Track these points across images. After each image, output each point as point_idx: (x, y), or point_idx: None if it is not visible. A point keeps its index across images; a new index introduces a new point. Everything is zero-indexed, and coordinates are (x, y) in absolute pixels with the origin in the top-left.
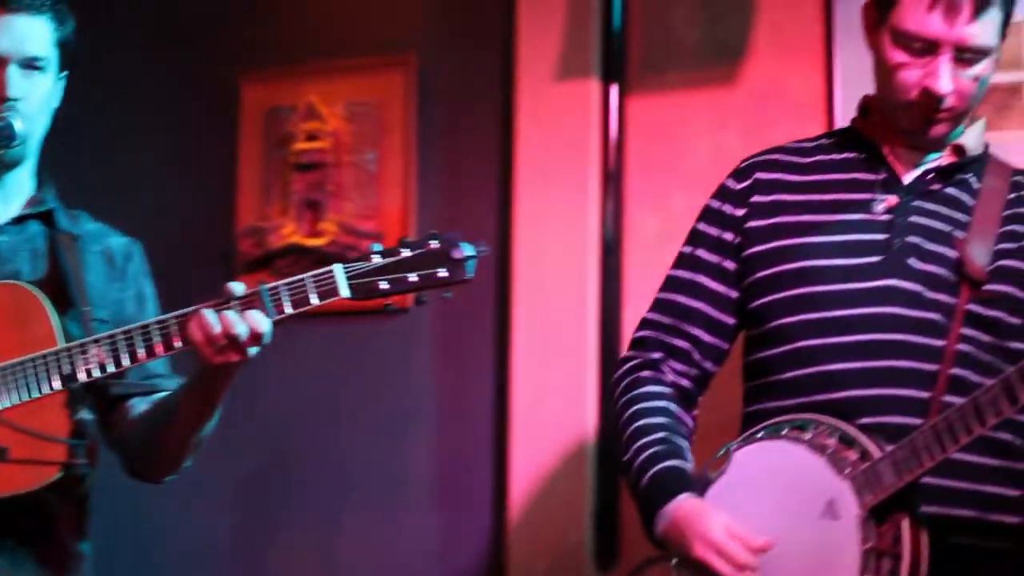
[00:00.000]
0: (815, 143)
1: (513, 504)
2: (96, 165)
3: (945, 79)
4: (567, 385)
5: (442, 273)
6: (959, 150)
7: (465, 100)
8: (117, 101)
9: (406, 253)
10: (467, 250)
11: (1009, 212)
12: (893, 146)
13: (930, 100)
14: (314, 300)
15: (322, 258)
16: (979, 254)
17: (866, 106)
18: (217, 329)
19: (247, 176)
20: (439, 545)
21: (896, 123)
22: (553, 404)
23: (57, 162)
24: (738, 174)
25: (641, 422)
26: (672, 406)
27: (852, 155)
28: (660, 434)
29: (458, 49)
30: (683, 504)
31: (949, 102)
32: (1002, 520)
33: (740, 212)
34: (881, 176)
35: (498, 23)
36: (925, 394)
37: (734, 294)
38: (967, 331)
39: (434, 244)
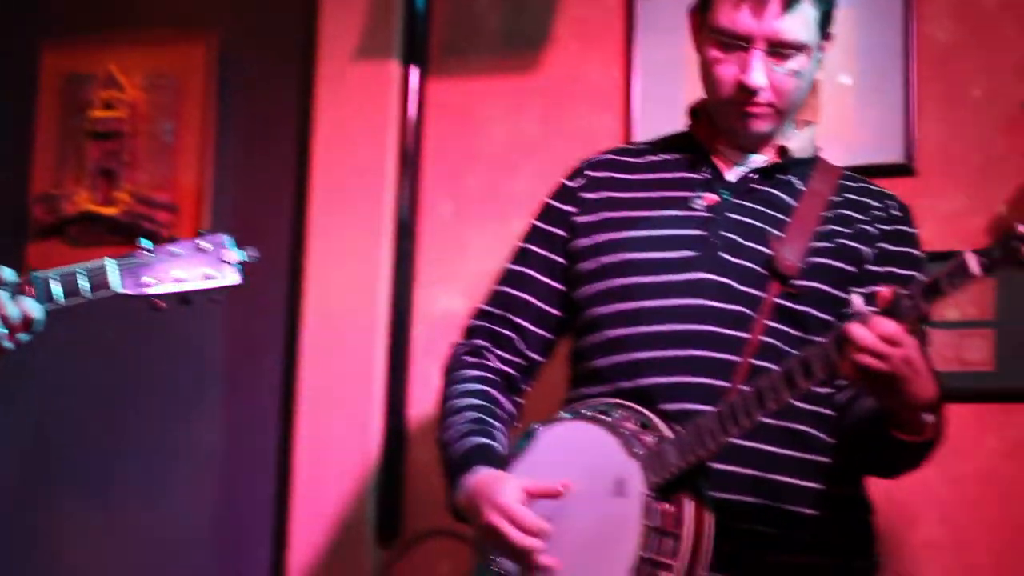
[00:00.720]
0: (649, 145)
1: (296, 479)
2: None
3: (757, 73)
4: (356, 362)
5: (211, 275)
6: (783, 151)
7: (266, 76)
8: None
9: (177, 252)
10: (237, 254)
11: (830, 213)
12: (718, 146)
13: (745, 94)
14: (86, 292)
15: (115, 226)
16: (792, 251)
17: (695, 110)
18: None
19: (42, 142)
20: (221, 519)
21: (720, 122)
22: (341, 381)
23: None
24: (573, 173)
25: (456, 402)
26: (490, 390)
27: (680, 156)
28: (472, 414)
29: (261, 25)
30: (479, 475)
31: (766, 97)
32: (797, 510)
33: (570, 208)
34: (704, 175)
35: (301, 2)
36: (725, 383)
37: (561, 287)
38: (774, 324)
39: (205, 245)
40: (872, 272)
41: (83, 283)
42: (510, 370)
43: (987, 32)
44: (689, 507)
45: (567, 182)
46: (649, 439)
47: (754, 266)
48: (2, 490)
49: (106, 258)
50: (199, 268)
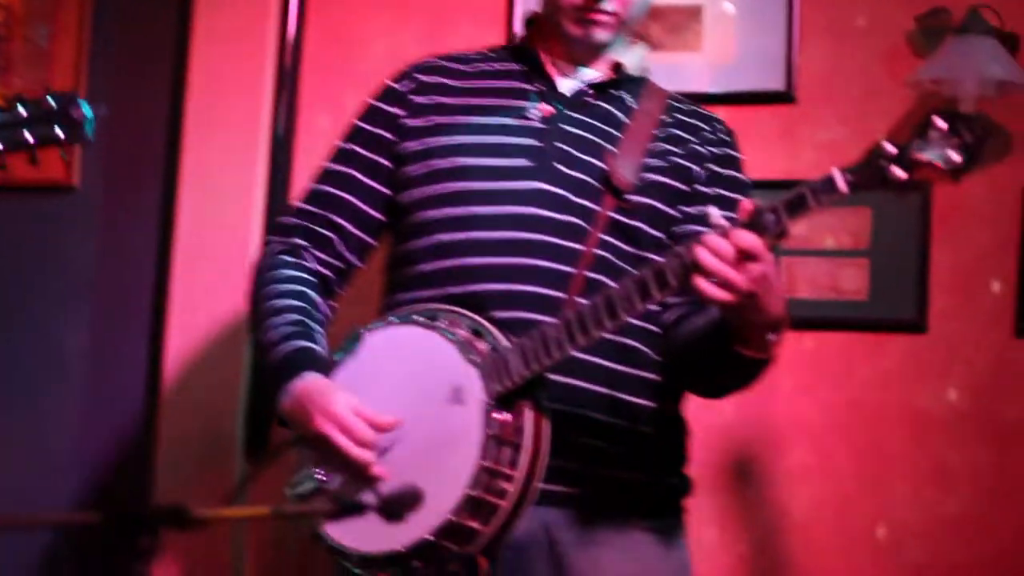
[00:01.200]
0: (481, 55)
1: (165, 391)
2: None
3: None
4: (227, 278)
5: (59, 132)
6: (617, 68)
7: None
8: None
9: (21, 111)
10: (86, 110)
11: (661, 132)
12: (554, 59)
13: (591, 0)
14: None
15: None
16: (626, 166)
17: (531, 21)
18: None
19: None
20: (88, 428)
21: (560, 28)
22: (212, 295)
23: None
24: (400, 76)
25: (276, 302)
26: (309, 291)
27: (515, 66)
28: (293, 316)
29: None
30: (307, 381)
31: (611, 6)
32: (627, 426)
33: (399, 111)
34: (539, 87)
35: None
36: (559, 294)
37: (385, 191)
38: (608, 238)
39: (51, 102)
40: (701, 192)
41: None
42: (327, 272)
43: None
44: (529, 417)
45: (394, 84)
46: (483, 346)
47: (588, 179)
48: None
49: None
50: (46, 126)
